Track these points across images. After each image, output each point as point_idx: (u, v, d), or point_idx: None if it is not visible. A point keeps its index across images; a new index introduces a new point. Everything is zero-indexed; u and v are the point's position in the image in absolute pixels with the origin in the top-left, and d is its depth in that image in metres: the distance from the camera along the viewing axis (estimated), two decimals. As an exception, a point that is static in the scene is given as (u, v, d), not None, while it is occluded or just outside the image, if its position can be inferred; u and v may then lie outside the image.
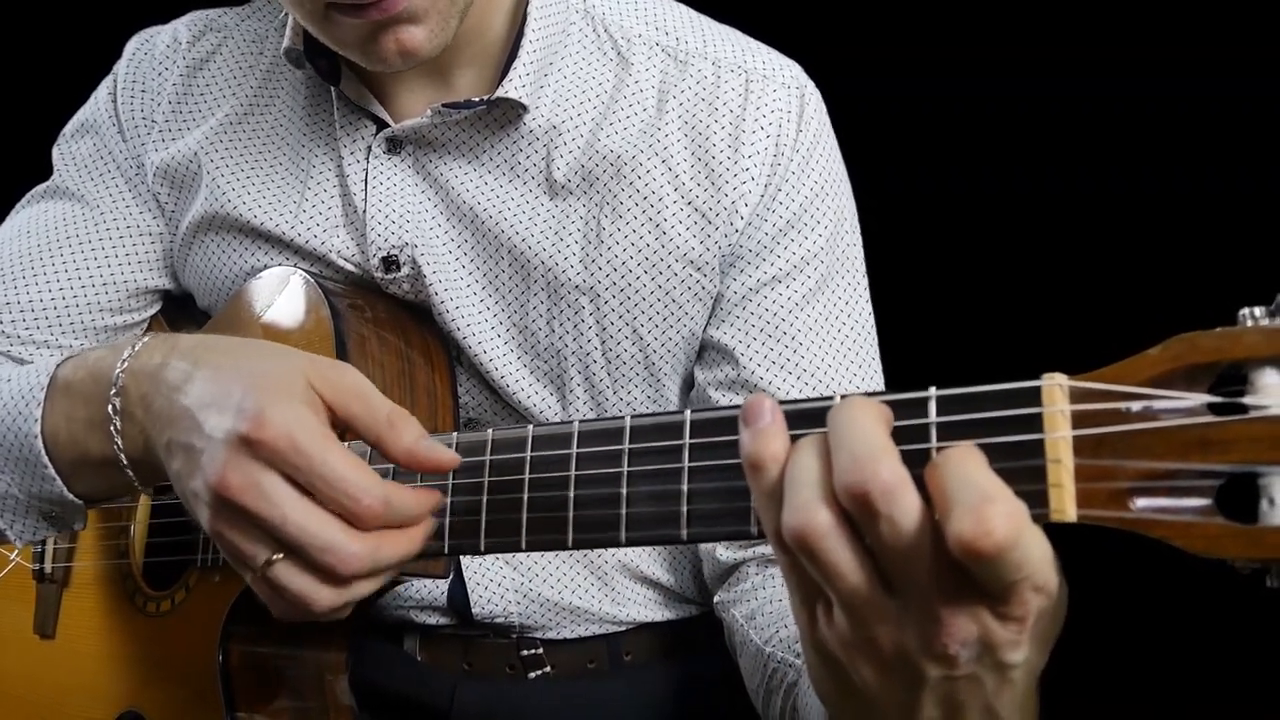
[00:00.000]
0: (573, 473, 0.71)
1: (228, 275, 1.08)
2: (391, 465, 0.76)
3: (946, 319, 1.82)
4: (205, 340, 0.82)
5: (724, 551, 1.02)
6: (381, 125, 1.03)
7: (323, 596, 0.73)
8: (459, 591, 1.05)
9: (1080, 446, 0.55)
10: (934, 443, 0.58)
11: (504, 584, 1.05)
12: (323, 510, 0.71)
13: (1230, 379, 0.53)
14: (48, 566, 1.14)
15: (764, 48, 1.06)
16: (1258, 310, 0.53)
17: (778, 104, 1.02)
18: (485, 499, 0.74)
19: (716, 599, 1.04)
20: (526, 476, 0.73)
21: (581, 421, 0.71)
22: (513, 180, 1.01)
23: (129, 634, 1.05)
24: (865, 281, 1.07)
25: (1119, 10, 1.76)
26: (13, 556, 1.16)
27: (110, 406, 0.81)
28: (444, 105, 0.99)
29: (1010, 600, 0.54)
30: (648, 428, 0.68)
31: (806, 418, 0.60)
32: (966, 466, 0.54)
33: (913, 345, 1.22)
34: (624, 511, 0.68)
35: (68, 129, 1.17)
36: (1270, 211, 1.63)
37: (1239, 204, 1.70)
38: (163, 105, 1.11)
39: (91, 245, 1.11)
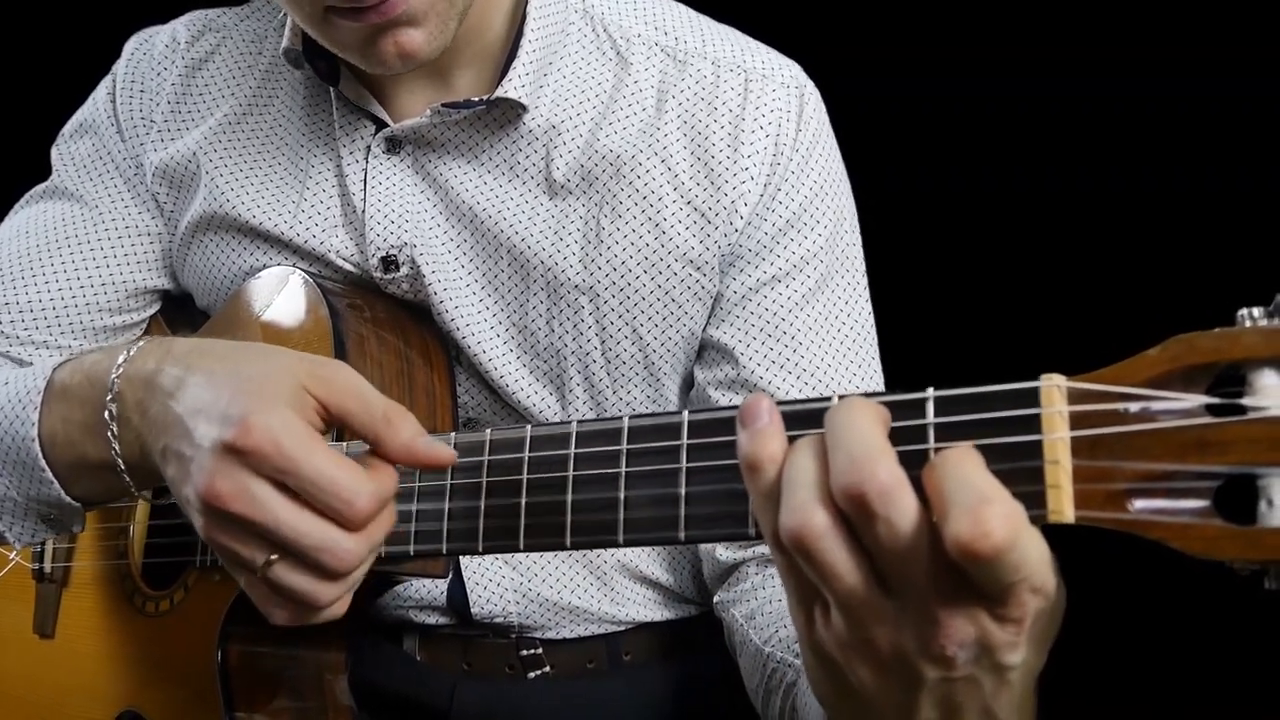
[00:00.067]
0: (571, 473, 0.71)
1: (226, 275, 1.08)
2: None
3: (946, 319, 1.82)
4: (200, 345, 0.81)
5: (724, 551, 1.02)
6: (381, 125, 1.03)
7: (324, 592, 0.74)
8: (458, 591, 1.05)
9: (1078, 447, 0.55)
10: (932, 444, 0.57)
11: (503, 584, 1.05)
12: (314, 511, 0.71)
13: (1229, 380, 0.53)
14: (47, 566, 1.14)
15: (763, 47, 1.06)
16: (1256, 311, 0.53)
17: (777, 103, 1.02)
18: (483, 499, 0.75)
19: (716, 599, 1.04)
20: (525, 477, 0.73)
21: (580, 422, 0.71)
22: (512, 180, 1.01)
23: (128, 634, 1.05)
24: (865, 281, 1.07)
25: (1119, 10, 1.76)
26: (12, 556, 1.16)
27: (107, 412, 0.81)
28: (443, 105, 0.99)
29: (1008, 602, 0.54)
30: (646, 428, 0.68)
31: (804, 418, 0.60)
32: (964, 467, 0.54)
33: (912, 345, 1.22)
34: (622, 513, 0.68)
35: (66, 129, 1.17)
36: (1269, 211, 1.63)
37: (1238, 204, 1.70)
38: (161, 105, 1.11)
39: (90, 245, 1.10)
